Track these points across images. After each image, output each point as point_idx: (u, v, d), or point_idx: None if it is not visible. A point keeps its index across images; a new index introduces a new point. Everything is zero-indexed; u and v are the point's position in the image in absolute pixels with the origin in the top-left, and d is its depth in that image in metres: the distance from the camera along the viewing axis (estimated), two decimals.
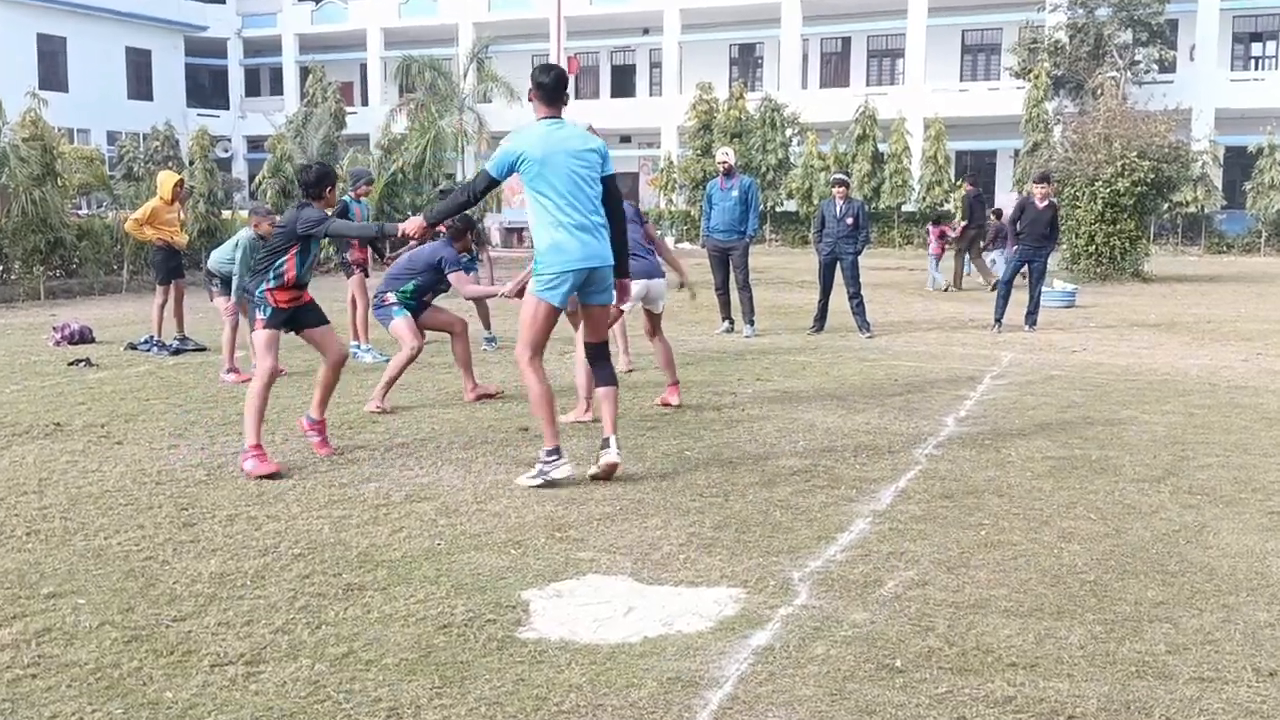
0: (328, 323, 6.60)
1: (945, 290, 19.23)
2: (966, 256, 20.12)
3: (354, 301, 10.81)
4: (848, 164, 34.63)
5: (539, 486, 5.72)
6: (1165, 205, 24.89)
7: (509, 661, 3.62)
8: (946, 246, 20.18)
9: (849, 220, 12.65)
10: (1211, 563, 4.65)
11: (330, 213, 6.41)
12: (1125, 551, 4.79)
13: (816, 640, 3.80)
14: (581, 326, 6.54)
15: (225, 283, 9.46)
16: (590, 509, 5.39)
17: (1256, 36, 39.03)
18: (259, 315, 6.23)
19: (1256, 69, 38.73)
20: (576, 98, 45.68)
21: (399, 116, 35.20)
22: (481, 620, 3.96)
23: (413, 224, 6.02)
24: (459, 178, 32.78)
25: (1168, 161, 21.12)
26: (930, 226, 21.26)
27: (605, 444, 5.93)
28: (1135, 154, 20.60)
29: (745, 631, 3.89)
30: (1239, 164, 34.52)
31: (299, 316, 6.39)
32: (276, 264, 6.21)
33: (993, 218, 20.31)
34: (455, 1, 46.55)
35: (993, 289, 19.20)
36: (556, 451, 5.76)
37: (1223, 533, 5.07)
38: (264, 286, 6.21)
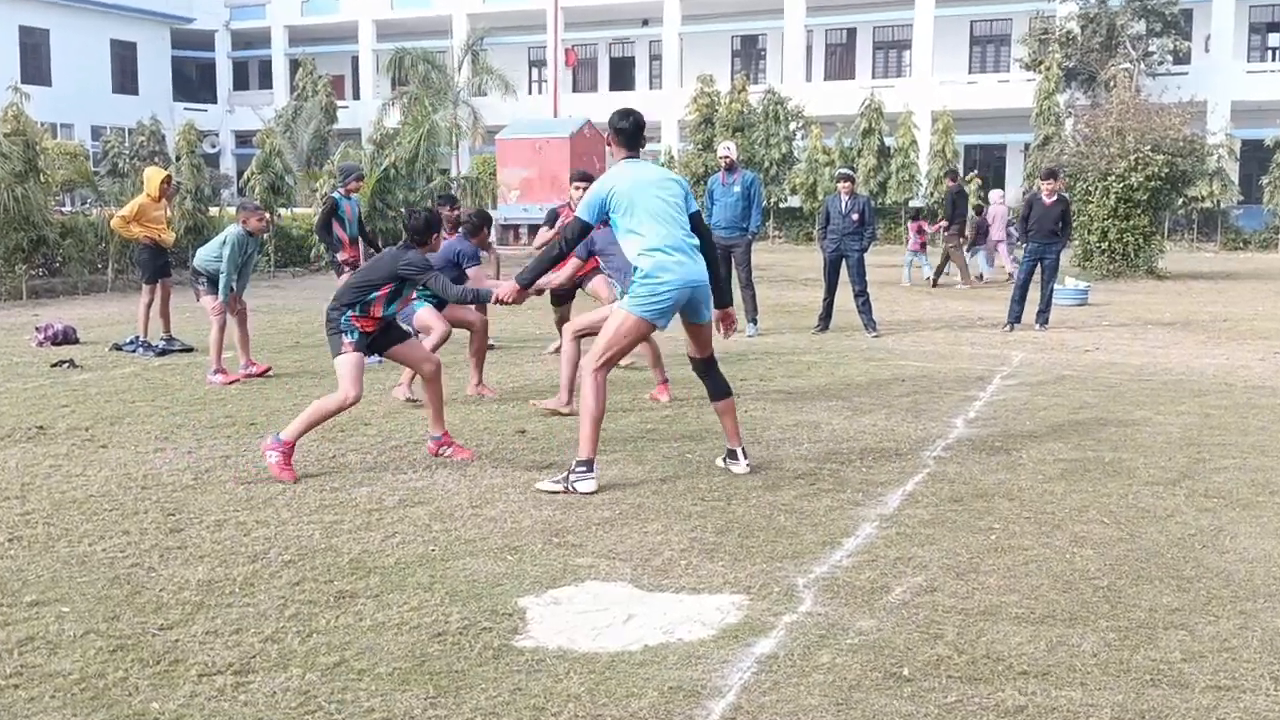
0: (410, 337, 6.70)
1: (935, 285, 19.49)
2: (978, 248, 20.50)
3: None
4: (853, 159, 34.63)
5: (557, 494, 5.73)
6: (1180, 200, 24.85)
7: (505, 671, 3.62)
8: (926, 242, 20.34)
9: (854, 216, 12.65)
10: (1228, 568, 4.65)
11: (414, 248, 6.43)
12: (1139, 556, 4.79)
13: (822, 648, 3.80)
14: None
15: (212, 281, 9.45)
16: (589, 513, 5.39)
17: (1274, 27, 39.05)
18: (346, 340, 6.18)
19: (1274, 60, 38.75)
20: (574, 91, 45.81)
21: (391, 110, 35.17)
22: (477, 628, 3.96)
23: (507, 290, 6.21)
24: (453, 173, 32.80)
25: (1183, 155, 21.11)
26: (909, 223, 21.44)
27: (732, 454, 6.25)
28: (1149, 148, 20.60)
29: (748, 639, 3.89)
30: (1256, 158, 34.50)
31: (381, 337, 6.42)
32: (368, 298, 6.23)
33: (974, 214, 20.52)
34: None
35: (933, 284, 19.50)
36: (589, 465, 5.80)
37: (1240, 537, 5.07)
38: (349, 314, 6.20)
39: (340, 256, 11.11)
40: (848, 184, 12.91)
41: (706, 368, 6.30)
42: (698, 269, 5.96)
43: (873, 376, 9.63)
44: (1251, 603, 4.25)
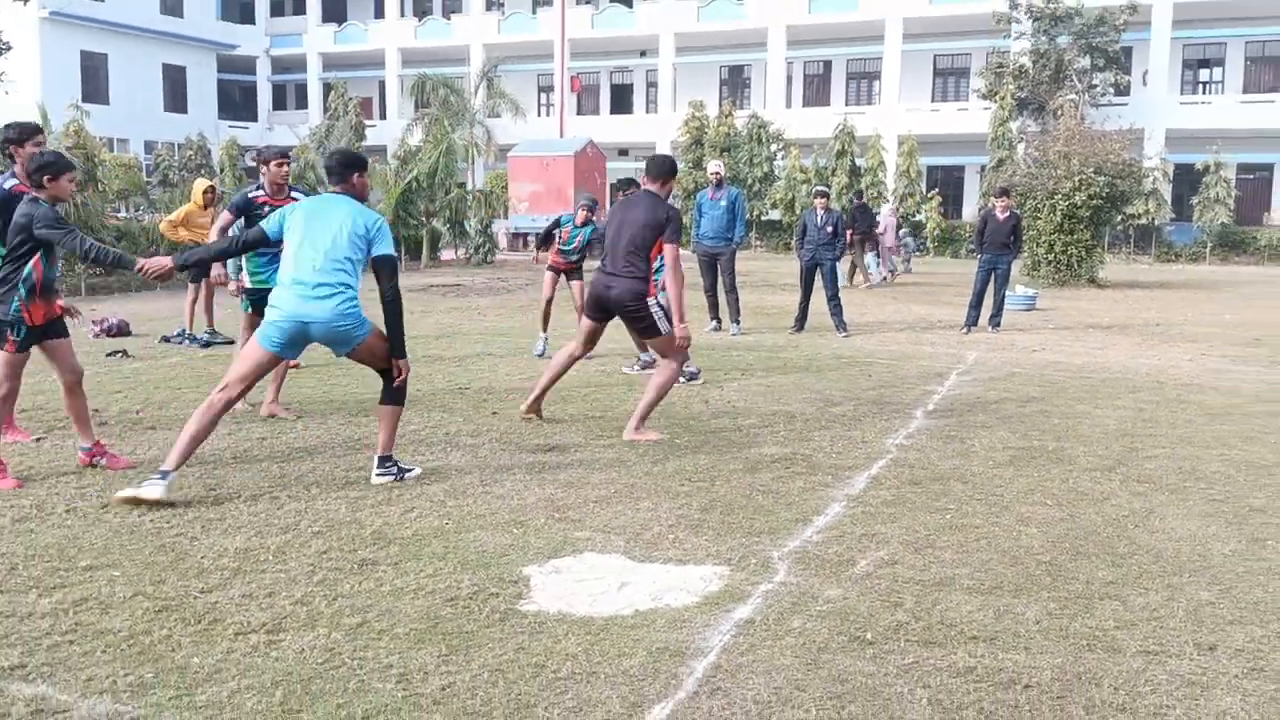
0: (68, 335, 5.81)
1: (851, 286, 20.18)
2: (871, 255, 21.71)
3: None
4: (828, 177, 34.61)
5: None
6: (1119, 217, 24.93)
7: (510, 632, 3.62)
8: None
9: (829, 229, 12.65)
10: (1157, 545, 4.65)
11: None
12: (1078, 534, 4.80)
13: (794, 614, 3.80)
14: None
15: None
16: (587, 492, 5.38)
17: (1204, 63, 39.13)
18: (11, 336, 5.46)
19: (1204, 93, 38.83)
20: (578, 114, 45.74)
21: (414, 130, 35.12)
22: (485, 594, 3.96)
23: (157, 262, 5.42)
24: (469, 186, 32.73)
25: (1121, 177, 21.17)
26: None
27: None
28: (1092, 170, 20.65)
29: (729, 606, 3.88)
30: (1187, 180, 34.64)
31: (47, 329, 5.66)
32: (25, 275, 5.41)
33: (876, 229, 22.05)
34: (467, 24, 46.50)
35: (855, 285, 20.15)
36: (164, 474, 5.08)
37: (1168, 518, 5.08)
38: (17, 302, 5.40)
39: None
40: (823, 200, 12.91)
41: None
42: (313, 309, 5.18)
43: (843, 372, 9.63)
44: (1178, 577, 4.26)
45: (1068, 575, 4.26)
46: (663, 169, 6.80)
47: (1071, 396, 8.44)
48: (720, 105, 39.40)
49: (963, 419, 7.48)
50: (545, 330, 10.51)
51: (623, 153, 43.63)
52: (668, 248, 6.59)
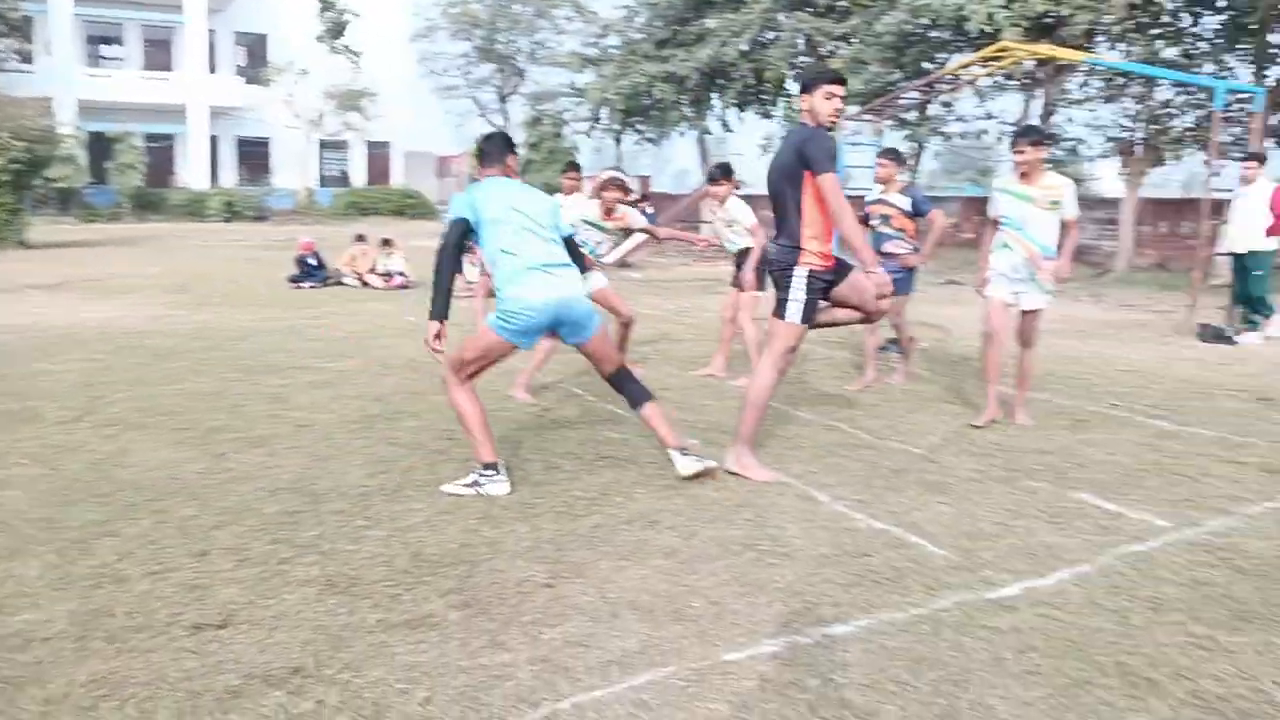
0: None
1: None
2: None
3: None
4: None
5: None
6: (40, 181, 23.26)
7: None
8: None
9: None
10: (137, 479, 4.60)
11: None
12: (62, 485, 4.48)
13: None
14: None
15: None
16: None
17: (106, 40, 38.50)
18: None
19: (108, 67, 38.23)
20: None
21: None
22: None
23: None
24: None
25: (40, 143, 19.99)
26: None
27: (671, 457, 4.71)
28: (9, 135, 18.90)
29: None
30: (101, 147, 33.99)
31: None
32: None
33: None
34: None
35: None
36: (494, 467, 4.46)
37: (141, 452, 5.04)
38: None
39: None
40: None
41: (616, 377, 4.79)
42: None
43: None
44: (162, 501, 4.26)
45: (62, 525, 3.95)
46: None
47: (26, 356, 7.70)
48: None
49: None
50: None
51: None
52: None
